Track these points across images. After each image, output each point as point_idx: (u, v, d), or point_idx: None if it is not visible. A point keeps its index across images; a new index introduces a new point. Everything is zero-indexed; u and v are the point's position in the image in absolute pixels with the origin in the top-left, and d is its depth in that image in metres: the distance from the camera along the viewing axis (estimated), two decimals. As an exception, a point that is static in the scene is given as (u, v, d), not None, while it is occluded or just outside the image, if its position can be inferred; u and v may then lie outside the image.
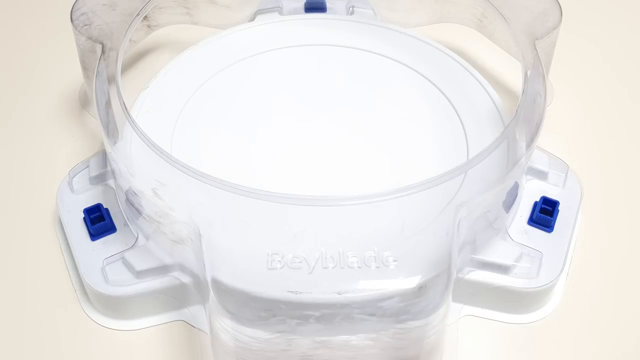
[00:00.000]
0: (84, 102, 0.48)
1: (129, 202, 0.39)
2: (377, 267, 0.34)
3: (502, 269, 0.38)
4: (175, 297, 0.39)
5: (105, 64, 0.41)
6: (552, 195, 0.41)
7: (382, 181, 0.40)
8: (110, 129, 0.39)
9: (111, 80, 0.40)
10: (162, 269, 0.38)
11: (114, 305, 0.39)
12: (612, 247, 0.42)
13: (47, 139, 0.47)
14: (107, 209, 0.40)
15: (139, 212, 0.39)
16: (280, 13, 0.50)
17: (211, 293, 0.33)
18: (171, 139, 0.42)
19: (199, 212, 0.35)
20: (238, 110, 0.44)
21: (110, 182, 0.42)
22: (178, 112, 0.44)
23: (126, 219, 0.40)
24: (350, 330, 0.34)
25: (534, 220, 0.40)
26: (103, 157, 0.42)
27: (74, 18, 0.43)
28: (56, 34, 0.53)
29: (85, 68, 0.44)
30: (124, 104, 0.39)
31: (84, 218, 0.40)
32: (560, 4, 0.43)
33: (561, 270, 0.39)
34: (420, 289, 0.34)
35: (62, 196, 0.42)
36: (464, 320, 0.39)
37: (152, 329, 0.39)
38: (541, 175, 0.42)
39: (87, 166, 0.42)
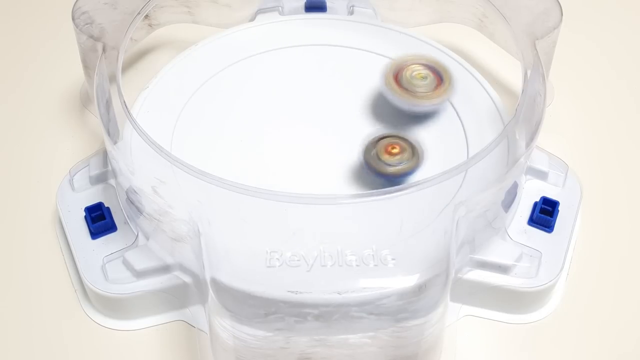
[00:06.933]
0: (85, 101, 0.48)
1: (129, 201, 0.39)
2: (375, 265, 0.34)
3: (502, 268, 0.38)
4: (175, 297, 0.39)
5: (106, 62, 0.41)
6: (551, 195, 0.41)
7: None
8: (111, 128, 0.39)
9: (112, 79, 0.40)
10: (162, 268, 0.38)
11: (113, 305, 0.39)
12: (612, 246, 0.42)
13: (48, 137, 0.47)
14: (108, 208, 0.40)
15: (139, 211, 0.39)
16: (281, 13, 0.50)
17: (210, 291, 0.34)
18: (171, 138, 0.42)
19: (198, 210, 0.35)
20: (238, 109, 0.44)
21: (111, 181, 0.42)
22: (178, 111, 0.44)
23: (126, 217, 0.40)
24: (349, 328, 0.34)
25: (534, 221, 0.40)
26: (104, 155, 0.42)
27: (75, 17, 0.43)
28: (57, 32, 0.53)
29: (86, 67, 0.44)
30: (125, 102, 0.39)
31: (84, 216, 0.40)
32: (561, 3, 0.43)
33: (560, 270, 0.39)
34: (419, 288, 0.34)
35: (63, 195, 0.42)
36: (464, 319, 0.39)
37: (152, 328, 0.39)
38: (541, 175, 0.42)
39: (88, 165, 0.42)
